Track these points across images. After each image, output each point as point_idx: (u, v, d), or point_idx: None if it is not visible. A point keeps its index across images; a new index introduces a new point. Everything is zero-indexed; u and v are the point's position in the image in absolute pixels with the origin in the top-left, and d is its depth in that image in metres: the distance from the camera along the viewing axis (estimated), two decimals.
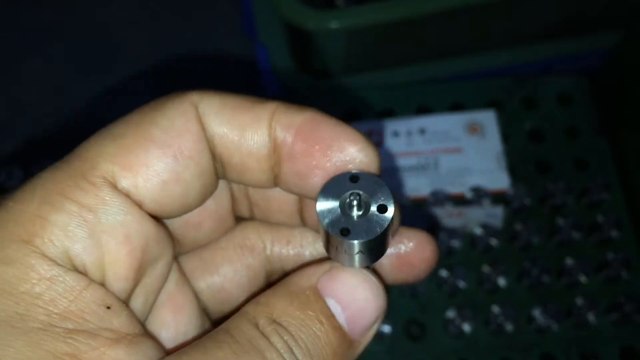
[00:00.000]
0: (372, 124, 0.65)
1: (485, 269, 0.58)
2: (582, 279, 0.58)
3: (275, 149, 0.24)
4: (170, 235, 0.26)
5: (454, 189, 0.62)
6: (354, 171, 0.24)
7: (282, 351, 0.21)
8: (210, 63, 0.88)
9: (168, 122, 0.23)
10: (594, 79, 0.67)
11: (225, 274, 0.28)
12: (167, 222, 0.26)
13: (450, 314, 0.57)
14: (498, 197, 0.61)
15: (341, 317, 0.23)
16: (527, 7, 0.66)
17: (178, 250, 0.27)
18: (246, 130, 0.24)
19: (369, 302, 0.24)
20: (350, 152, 0.24)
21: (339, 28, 0.65)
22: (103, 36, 0.90)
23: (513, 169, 0.63)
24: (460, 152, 0.63)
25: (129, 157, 0.22)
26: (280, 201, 0.27)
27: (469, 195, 0.61)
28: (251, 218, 0.29)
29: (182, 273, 0.27)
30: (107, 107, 0.86)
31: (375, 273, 0.26)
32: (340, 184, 0.24)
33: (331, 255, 0.25)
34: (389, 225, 0.23)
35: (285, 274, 0.29)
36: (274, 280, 0.30)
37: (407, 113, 0.67)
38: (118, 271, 0.22)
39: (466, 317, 0.56)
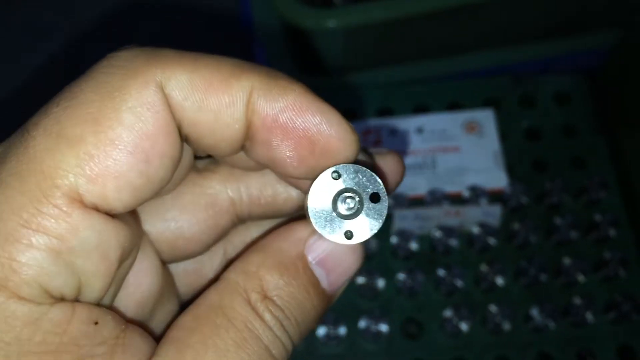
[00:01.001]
0: (370, 122, 0.65)
1: (483, 268, 0.58)
2: (580, 278, 0.58)
3: (250, 130, 0.22)
4: (139, 220, 0.25)
5: (451, 188, 0.62)
6: (334, 167, 0.23)
7: (274, 329, 0.22)
8: None
9: (134, 119, 0.20)
10: (592, 78, 0.67)
11: (189, 227, 0.27)
12: None
13: (448, 313, 0.57)
14: (495, 196, 0.61)
15: (324, 281, 0.24)
16: (526, 6, 0.66)
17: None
18: (220, 116, 0.21)
19: (351, 264, 0.25)
20: (330, 146, 0.22)
21: (337, 27, 0.65)
22: (103, 33, 0.90)
23: (511, 168, 0.63)
24: (458, 151, 0.63)
25: (93, 167, 0.19)
26: (245, 159, 0.26)
27: (466, 194, 0.61)
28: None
29: (147, 239, 0.26)
30: None
31: None
32: (325, 184, 0.23)
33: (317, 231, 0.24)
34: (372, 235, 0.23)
35: (253, 213, 0.28)
36: (242, 217, 0.28)
37: (405, 112, 0.67)
38: (95, 286, 0.21)
39: (463, 316, 0.56)
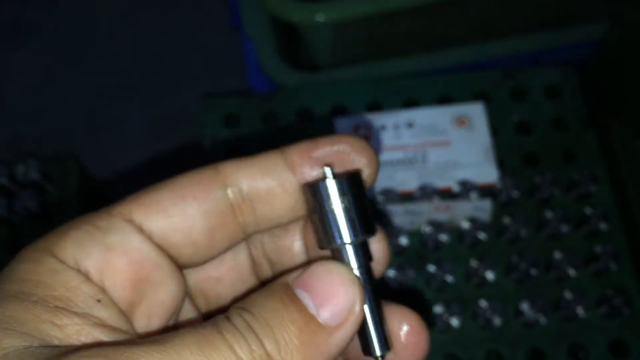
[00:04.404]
0: (359, 117, 0.64)
1: (473, 263, 0.58)
2: (571, 272, 0.58)
3: (295, 171, 0.28)
4: (179, 273, 0.29)
5: (442, 183, 0.61)
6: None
7: (239, 327, 0.23)
8: (197, 56, 0.87)
9: (186, 177, 0.28)
10: (582, 70, 0.67)
11: (212, 271, 0.31)
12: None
13: (438, 308, 0.56)
14: (486, 191, 0.61)
15: (309, 302, 0.25)
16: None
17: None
18: (263, 166, 0.28)
19: (337, 288, 0.25)
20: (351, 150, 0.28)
21: (325, 21, 0.64)
22: (89, 31, 0.89)
23: (501, 162, 0.63)
24: (448, 146, 0.63)
25: (145, 199, 0.27)
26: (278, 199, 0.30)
27: (456, 189, 0.60)
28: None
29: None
30: (93, 101, 0.85)
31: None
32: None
33: (315, 221, 0.27)
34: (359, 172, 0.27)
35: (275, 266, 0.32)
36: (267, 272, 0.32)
37: (395, 106, 0.67)
38: (115, 280, 0.26)
39: (454, 311, 0.56)
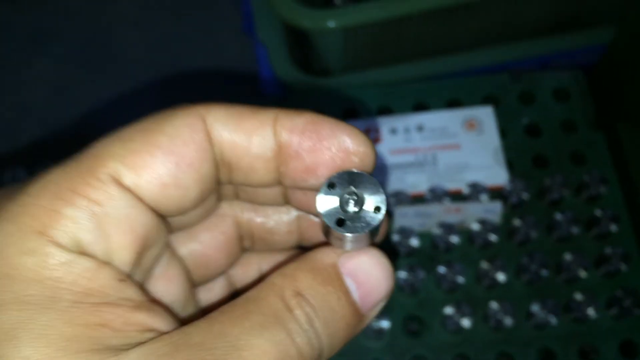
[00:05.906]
0: (370, 121, 0.65)
1: (484, 264, 0.58)
2: (581, 273, 0.58)
3: (281, 150, 0.26)
4: (165, 222, 0.28)
5: (452, 185, 0.62)
6: (354, 170, 0.26)
7: (303, 322, 0.24)
8: (210, 62, 0.89)
9: (174, 131, 0.25)
10: (591, 73, 0.67)
11: (204, 240, 0.31)
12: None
13: (449, 309, 0.57)
14: (496, 193, 0.61)
15: (355, 294, 0.26)
16: (523, 3, 0.66)
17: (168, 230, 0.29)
18: (253, 135, 0.26)
19: (381, 282, 0.26)
20: (351, 146, 0.26)
21: (336, 27, 0.65)
22: (105, 37, 0.91)
23: (511, 164, 0.63)
24: (458, 149, 0.63)
25: (134, 159, 0.24)
26: (271, 196, 0.30)
27: (467, 191, 0.61)
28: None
29: (171, 247, 0.30)
30: (111, 106, 0.87)
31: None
32: (340, 181, 0.26)
33: (327, 239, 0.27)
34: (379, 224, 0.25)
35: (256, 240, 0.32)
36: (247, 245, 0.32)
37: (405, 110, 0.67)
38: (123, 257, 0.24)
39: (465, 312, 0.56)
